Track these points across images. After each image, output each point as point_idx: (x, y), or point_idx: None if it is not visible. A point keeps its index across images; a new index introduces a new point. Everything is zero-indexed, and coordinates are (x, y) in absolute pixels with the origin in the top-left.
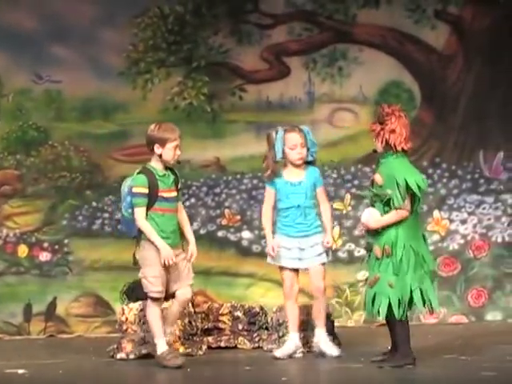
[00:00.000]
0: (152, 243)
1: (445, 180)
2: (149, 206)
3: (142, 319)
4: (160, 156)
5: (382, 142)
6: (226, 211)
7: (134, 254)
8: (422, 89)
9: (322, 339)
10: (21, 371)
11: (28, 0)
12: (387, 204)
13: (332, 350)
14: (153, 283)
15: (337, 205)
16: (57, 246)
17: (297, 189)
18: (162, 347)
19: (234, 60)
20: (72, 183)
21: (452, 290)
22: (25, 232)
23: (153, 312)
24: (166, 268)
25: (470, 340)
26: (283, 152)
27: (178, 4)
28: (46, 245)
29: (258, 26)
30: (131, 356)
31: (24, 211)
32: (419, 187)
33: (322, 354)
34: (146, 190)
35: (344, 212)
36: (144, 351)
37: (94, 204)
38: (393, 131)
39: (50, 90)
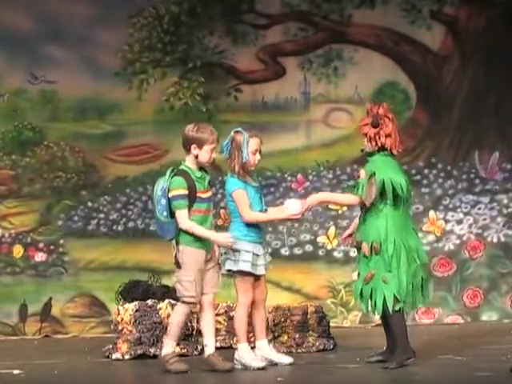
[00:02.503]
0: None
1: (440, 180)
2: (188, 208)
3: (138, 319)
4: (196, 157)
5: (375, 145)
6: (222, 211)
7: (175, 256)
8: (418, 89)
9: (270, 351)
10: (16, 371)
11: (23, 0)
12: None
13: (284, 358)
14: (187, 288)
15: (332, 205)
16: (52, 247)
17: (258, 193)
18: (168, 349)
19: (230, 60)
20: (67, 183)
21: (447, 291)
22: (20, 232)
23: (179, 314)
24: (202, 272)
25: (466, 340)
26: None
27: (173, 4)
28: (41, 245)
29: (253, 26)
30: (127, 356)
31: (19, 211)
32: (401, 190)
33: (274, 364)
34: (186, 192)
35: (339, 212)
36: (139, 351)
37: (90, 204)
38: (389, 135)
39: (46, 90)
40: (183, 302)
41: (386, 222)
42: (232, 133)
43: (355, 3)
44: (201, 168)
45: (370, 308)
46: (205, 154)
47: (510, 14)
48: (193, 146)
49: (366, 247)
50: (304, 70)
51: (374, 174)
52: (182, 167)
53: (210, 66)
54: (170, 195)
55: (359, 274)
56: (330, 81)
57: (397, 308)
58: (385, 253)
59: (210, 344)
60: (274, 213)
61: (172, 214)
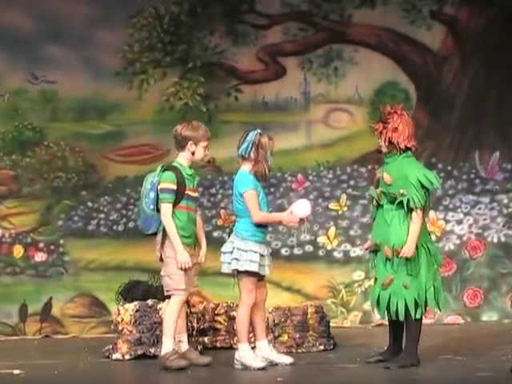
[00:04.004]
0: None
1: (440, 180)
2: (174, 204)
3: (138, 320)
4: (193, 153)
5: (385, 141)
6: (222, 212)
7: (160, 253)
8: (418, 89)
9: (270, 351)
10: (16, 371)
11: (23, 0)
12: (399, 203)
13: (284, 358)
14: (176, 281)
15: (333, 205)
16: (52, 247)
17: (265, 194)
18: (167, 347)
19: (230, 60)
20: (67, 183)
21: (448, 291)
22: (20, 232)
23: (172, 310)
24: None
25: (466, 340)
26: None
27: (173, 4)
28: (41, 245)
29: (253, 26)
30: (127, 356)
31: (19, 211)
32: (432, 184)
33: (275, 364)
34: (175, 187)
35: (340, 212)
36: (139, 352)
37: (90, 204)
38: (395, 129)
39: (46, 90)
40: (173, 296)
41: (409, 224)
42: (255, 135)
43: (355, 3)
44: (191, 167)
45: (390, 313)
46: (201, 150)
47: (510, 14)
48: (189, 143)
49: (388, 250)
50: (304, 70)
51: (407, 177)
52: (173, 163)
53: (210, 66)
54: (159, 187)
55: (376, 278)
56: (330, 81)
57: (418, 315)
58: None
59: (184, 339)
60: (280, 214)
61: (158, 209)
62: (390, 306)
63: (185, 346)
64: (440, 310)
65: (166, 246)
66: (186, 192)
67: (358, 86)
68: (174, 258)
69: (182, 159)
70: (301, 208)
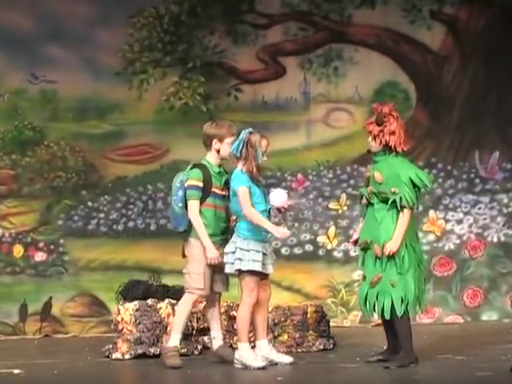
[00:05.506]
0: (199, 239)
1: (440, 180)
2: (201, 201)
3: (138, 319)
4: (218, 151)
5: (380, 143)
6: None
7: (183, 247)
8: (418, 89)
9: (270, 351)
10: (16, 371)
11: (23, 0)
12: (393, 203)
13: (284, 358)
14: (196, 280)
15: (333, 205)
16: (52, 246)
17: (263, 192)
18: (172, 342)
19: (230, 60)
20: (67, 183)
21: (447, 290)
22: (20, 232)
23: (184, 306)
24: (213, 266)
25: (466, 340)
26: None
27: (173, 4)
28: (41, 245)
29: (253, 26)
30: (127, 356)
31: (19, 211)
32: (423, 183)
33: (275, 364)
34: (201, 184)
35: (340, 212)
36: (139, 351)
37: (90, 204)
38: (393, 133)
39: (46, 90)
40: (189, 293)
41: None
42: (246, 134)
43: (355, 3)
44: (219, 166)
45: (375, 311)
46: (226, 147)
47: (510, 14)
48: (214, 141)
49: (378, 249)
50: (304, 70)
51: (399, 176)
52: (202, 161)
53: (210, 65)
54: (186, 184)
55: (365, 276)
56: (330, 81)
57: (403, 312)
58: (396, 255)
59: (217, 336)
60: (269, 224)
61: (187, 206)
62: (377, 304)
63: (218, 343)
64: (416, 312)
65: (190, 243)
66: (213, 190)
67: (357, 86)
68: (197, 257)
69: (211, 157)
70: (277, 198)
